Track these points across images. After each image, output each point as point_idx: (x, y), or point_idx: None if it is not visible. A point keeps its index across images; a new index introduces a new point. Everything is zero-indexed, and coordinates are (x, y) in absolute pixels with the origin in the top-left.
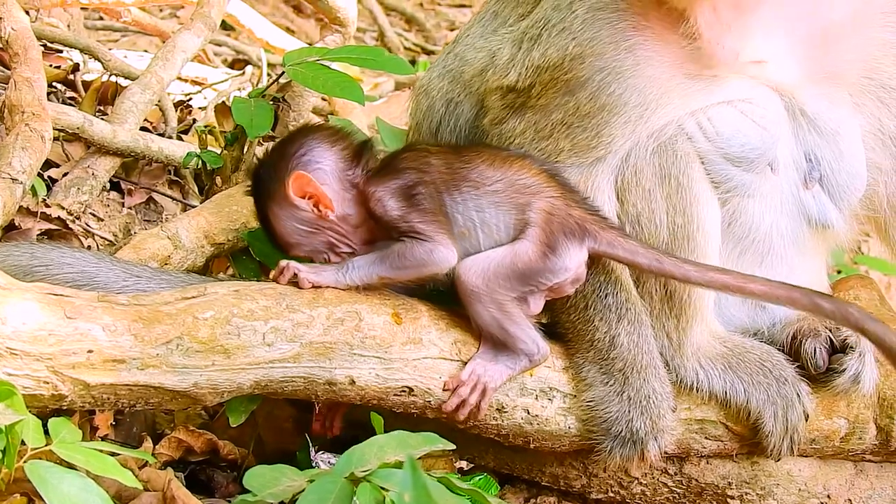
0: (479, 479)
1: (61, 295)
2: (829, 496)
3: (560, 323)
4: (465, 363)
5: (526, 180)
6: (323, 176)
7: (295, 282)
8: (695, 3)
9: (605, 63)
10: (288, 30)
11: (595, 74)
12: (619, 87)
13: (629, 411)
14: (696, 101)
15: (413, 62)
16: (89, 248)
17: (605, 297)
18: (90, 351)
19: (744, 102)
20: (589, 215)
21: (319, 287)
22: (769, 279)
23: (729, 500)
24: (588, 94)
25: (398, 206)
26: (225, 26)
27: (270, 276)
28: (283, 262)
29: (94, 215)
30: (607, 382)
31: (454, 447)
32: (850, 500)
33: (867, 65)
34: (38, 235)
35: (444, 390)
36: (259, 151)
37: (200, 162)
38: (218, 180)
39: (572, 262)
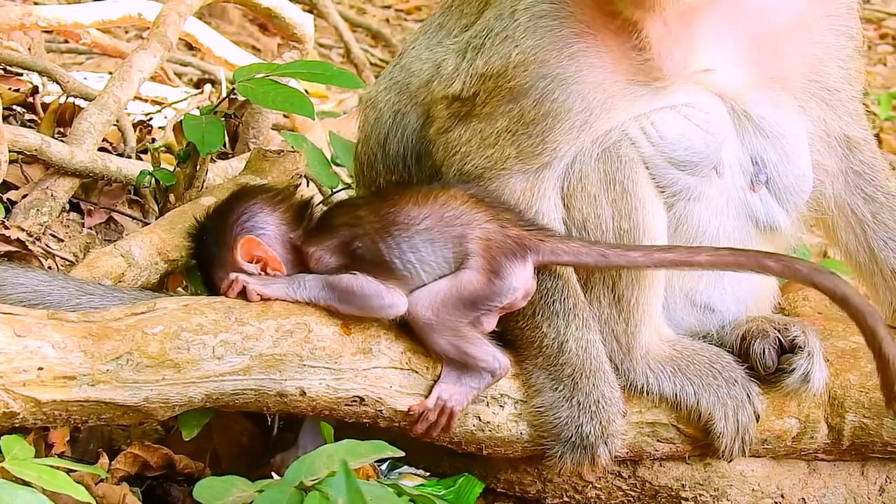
0: (461, 479)
1: (10, 313)
2: (782, 496)
3: (509, 330)
4: (417, 372)
5: (454, 211)
6: (268, 239)
7: (244, 295)
8: (646, 16)
9: (548, 70)
10: (254, 48)
11: (538, 81)
12: (562, 94)
13: (579, 416)
14: (639, 106)
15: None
16: (50, 268)
17: (553, 303)
18: (40, 368)
19: (687, 107)
20: (526, 231)
21: (268, 299)
22: (715, 247)
23: (683, 501)
24: (532, 101)
25: (338, 261)
26: (191, 46)
27: (221, 290)
28: (233, 275)
29: (54, 236)
30: (556, 388)
31: (404, 454)
32: (803, 499)
33: (812, 68)
34: None
35: (408, 414)
36: (212, 168)
37: (154, 180)
38: (171, 197)
39: (519, 281)
